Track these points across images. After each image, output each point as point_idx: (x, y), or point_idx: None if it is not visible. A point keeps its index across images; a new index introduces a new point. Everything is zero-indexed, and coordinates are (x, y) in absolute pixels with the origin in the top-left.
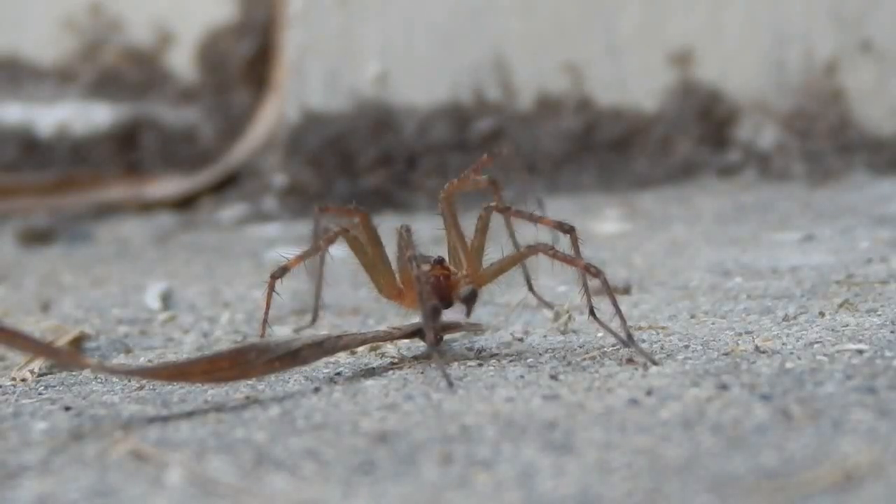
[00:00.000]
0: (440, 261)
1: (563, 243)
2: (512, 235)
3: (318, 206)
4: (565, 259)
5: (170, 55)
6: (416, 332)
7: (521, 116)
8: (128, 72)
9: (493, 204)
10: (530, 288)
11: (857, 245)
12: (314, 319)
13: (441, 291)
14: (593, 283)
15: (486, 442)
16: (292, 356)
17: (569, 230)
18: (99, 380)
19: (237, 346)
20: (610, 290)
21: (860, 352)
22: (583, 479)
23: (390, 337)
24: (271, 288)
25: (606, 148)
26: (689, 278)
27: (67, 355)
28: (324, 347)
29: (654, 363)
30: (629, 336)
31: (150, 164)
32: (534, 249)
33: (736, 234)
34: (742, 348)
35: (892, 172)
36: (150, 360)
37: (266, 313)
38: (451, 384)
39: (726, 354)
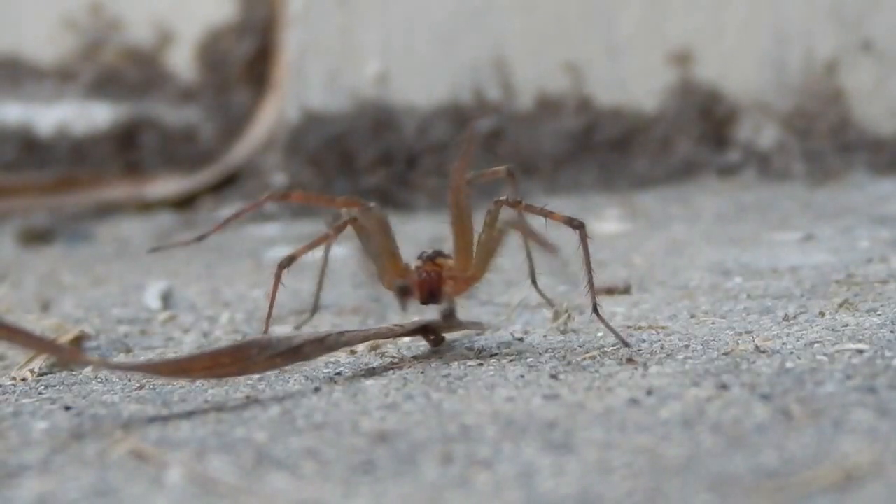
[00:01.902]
0: (436, 255)
1: (560, 242)
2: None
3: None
4: (538, 237)
5: (170, 55)
6: (418, 330)
7: (521, 116)
8: (128, 71)
9: (503, 198)
10: (534, 281)
11: (857, 245)
12: (313, 312)
13: (431, 288)
14: (596, 278)
15: (487, 441)
16: (294, 352)
17: (578, 226)
18: (99, 379)
19: (238, 342)
20: (586, 246)
21: (860, 351)
22: (583, 478)
23: (392, 334)
24: (278, 279)
25: (606, 148)
26: (689, 278)
27: (69, 352)
28: (326, 344)
29: (626, 344)
30: (595, 306)
31: (150, 164)
32: (509, 225)
33: (736, 234)
34: (742, 348)
35: (891, 172)
36: (150, 360)
37: (271, 306)
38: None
39: (726, 354)
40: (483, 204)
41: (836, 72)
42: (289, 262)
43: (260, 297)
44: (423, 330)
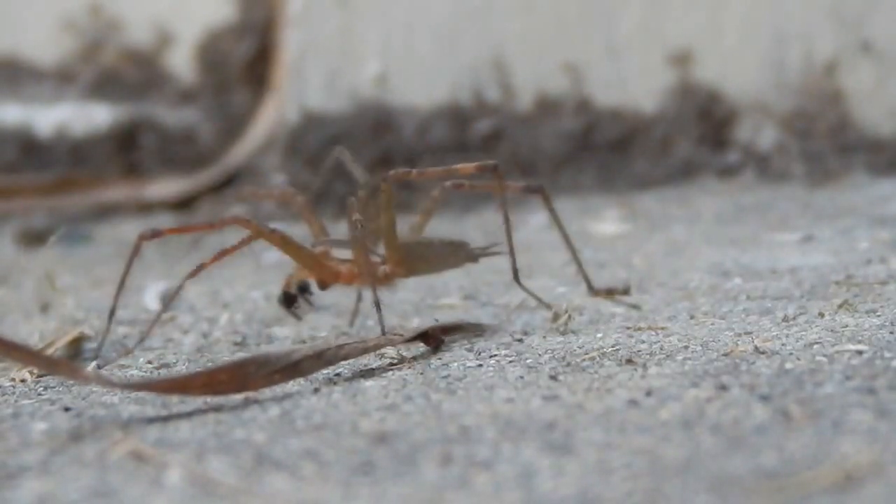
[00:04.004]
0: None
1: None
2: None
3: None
4: (477, 186)
5: (169, 55)
6: (417, 337)
7: (520, 117)
8: (127, 72)
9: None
10: (515, 276)
11: (857, 246)
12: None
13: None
14: (596, 279)
15: (486, 442)
16: (292, 368)
17: (491, 168)
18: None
19: (236, 359)
20: (553, 213)
21: (859, 352)
22: (582, 479)
23: (391, 343)
24: (137, 250)
25: (606, 148)
26: (688, 279)
27: (64, 367)
28: (324, 359)
29: (546, 305)
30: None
31: (150, 165)
32: (447, 189)
33: (735, 235)
34: (741, 349)
35: (891, 173)
36: (149, 361)
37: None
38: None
39: (726, 355)
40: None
41: (836, 73)
42: (151, 235)
43: (259, 298)
44: (423, 336)
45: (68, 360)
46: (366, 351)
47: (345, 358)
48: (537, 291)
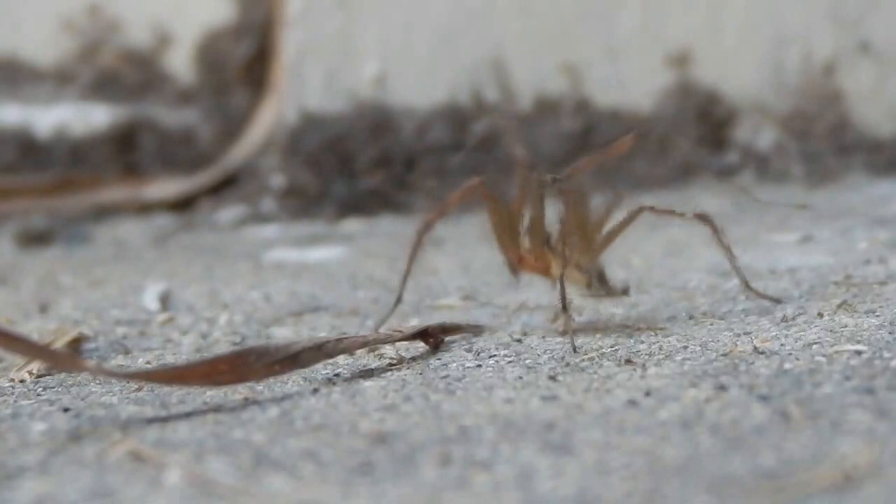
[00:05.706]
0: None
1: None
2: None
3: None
4: (672, 213)
5: (168, 56)
6: (416, 335)
7: (519, 117)
8: (126, 73)
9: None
10: (745, 284)
11: (856, 246)
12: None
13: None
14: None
15: (485, 443)
16: (292, 359)
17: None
18: (97, 381)
19: (236, 350)
20: (720, 240)
21: (859, 353)
22: (582, 479)
23: (391, 339)
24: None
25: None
26: (687, 279)
27: (66, 359)
28: (324, 351)
29: (777, 301)
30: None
31: (149, 166)
32: (639, 211)
33: (734, 235)
34: (740, 349)
35: (890, 173)
36: (148, 362)
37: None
38: (574, 349)
39: (725, 355)
40: None
41: (835, 73)
42: (427, 227)
43: (259, 299)
44: (422, 334)
45: (70, 352)
46: (365, 345)
47: (344, 351)
48: (534, 293)
